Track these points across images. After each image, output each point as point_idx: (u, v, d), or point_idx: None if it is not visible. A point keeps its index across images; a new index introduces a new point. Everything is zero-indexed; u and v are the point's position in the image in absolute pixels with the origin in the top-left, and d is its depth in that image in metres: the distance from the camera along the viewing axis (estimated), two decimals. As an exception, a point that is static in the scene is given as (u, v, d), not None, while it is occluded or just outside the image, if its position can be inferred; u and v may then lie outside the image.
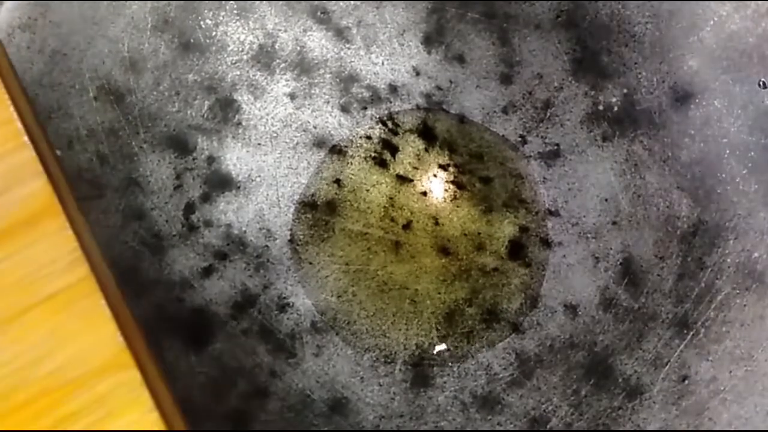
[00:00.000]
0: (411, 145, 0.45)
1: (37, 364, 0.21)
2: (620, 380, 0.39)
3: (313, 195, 0.44)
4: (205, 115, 0.43)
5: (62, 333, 0.22)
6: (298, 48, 0.44)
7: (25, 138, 0.24)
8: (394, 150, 0.45)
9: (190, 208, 0.42)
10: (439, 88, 0.45)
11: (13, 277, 0.22)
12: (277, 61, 0.44)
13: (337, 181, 0.45)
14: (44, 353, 0.21)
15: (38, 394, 0.21)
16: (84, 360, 0.21)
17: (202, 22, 0.42)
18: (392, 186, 0.45)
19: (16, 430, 0.21)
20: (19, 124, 0.24)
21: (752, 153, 0.39)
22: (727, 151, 0.40)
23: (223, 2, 0.43)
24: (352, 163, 0.45)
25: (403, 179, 0.45)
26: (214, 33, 0.43)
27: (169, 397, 0.24)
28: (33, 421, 0.21)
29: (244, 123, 0.44)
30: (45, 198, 0.23)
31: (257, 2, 0.43)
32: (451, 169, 0.45)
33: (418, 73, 0.45)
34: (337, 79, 0.45)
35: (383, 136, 0.45)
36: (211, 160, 0.43)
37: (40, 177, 0.23)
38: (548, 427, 0.40)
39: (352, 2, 0.44)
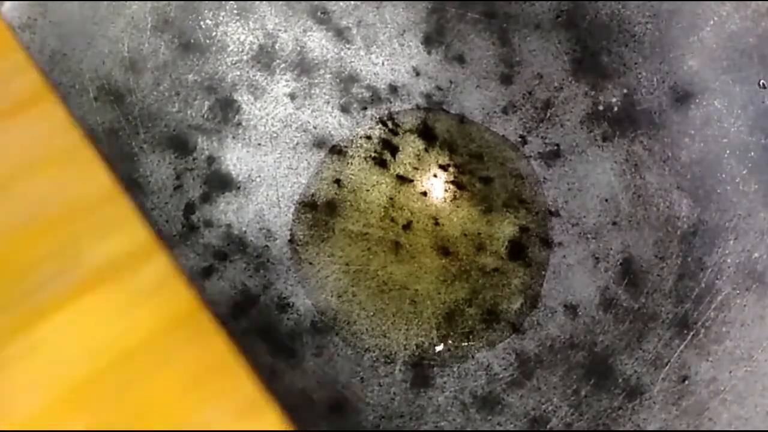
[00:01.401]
0: (411, 146, 0.45)
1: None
2: (620, 380, 0.39)
3: (313, 195, 0.44)
4: (205, 116, 0.43)
5: (60, 184, 0.27)
6: (298, 48, 0.44)
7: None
8: (394, 150, 0.45)
9: (190, 209, 0.42)
10: (439, 88, 0.45)
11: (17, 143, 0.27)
12: (277, 61, 0.44)
13: (337, 182, 0.45)
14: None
15: (47, 227, 0.26)
16: (79, 200, 0.27)
17: (202, 23, 0.42)
18: (392, 186, 0.45)
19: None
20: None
21: (752, 153, 0.39)
22: (727, 151, 0.40)
23: (223, 2, 0.42)
24: (352, 164, 0.45)
25: (403, 179, 0.45)
26: (214, 33, 0.43)
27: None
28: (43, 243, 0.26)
29: (244, 123, 0.44)
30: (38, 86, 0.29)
31: (257, 2, 0.43)
32: (451, 169, 0.45)
33: (418, 74, 0.45)
34: (337, 80, 0.45)
35: (383, 136, 0.45)
36: (211, 160, 0.43)
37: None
38: (548, 427, 0.40)
39: (352, 2, 0.44)
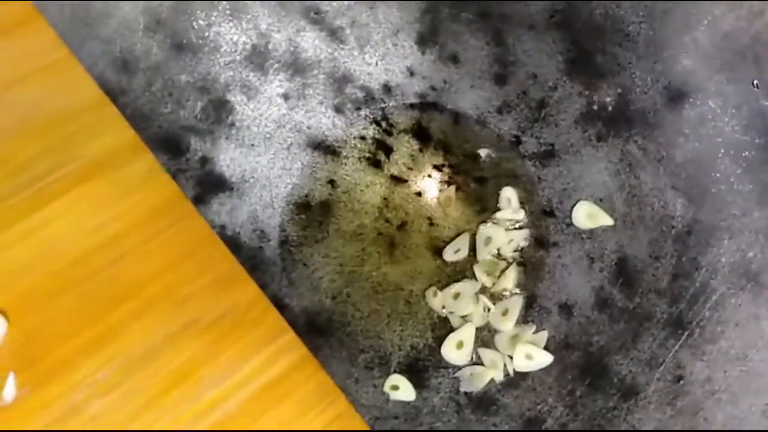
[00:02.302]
0: (405, 146, 0.45)
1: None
2: (615, 380, 0.39)
3: (306, 196, 0.44)
4: (198, 116, 0.43)
5: (51, 92, 0.30)
6: (292, 48, 0.44)
7: None
8: (388, 150, 0.45)
9: (183, 210, 0.42)
10: (433, 88, 0.45)
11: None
12: (271, 61, 0.44)
13: (331, 182, 0.44)
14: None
15: (40, 129, 0.30)
16: (69, 105, 0.30)
17: (194, 23, 0.42)
18: (386, 186, 0.44)
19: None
20: None
21: (746, 152, 0.39)
22: (722, 151, 0.40)
23: (216, 2, 0.42)
24: (346, 164, 0.45)
25: (398, 180, 0.45)
26: (206, 33, 0.43)
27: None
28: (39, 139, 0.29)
29: (237, 124, 0.43)
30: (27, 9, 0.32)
31: (250, 2, 0.43)
32: (445, 169, 0.45)
33: (412, 73, 0.45)
34: (331, 80, 0.45)
35: (377, 136, 0.45)
36: (204, 161, 0.43)
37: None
38: (543, 427, 0.40)
39: (345, 2, 0.44)
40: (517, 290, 0.43)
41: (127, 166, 0.30)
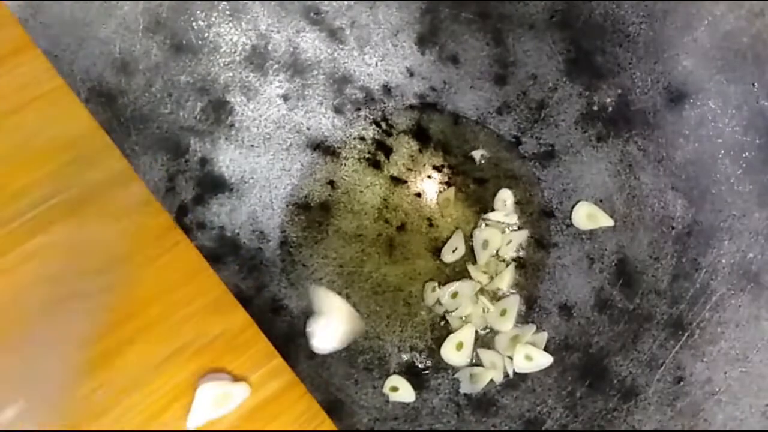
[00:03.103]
0: (405, 146, 0.45)
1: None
2: (615, 381, 0.39)
3: (306, 196, 0.44)
4: (198, 117, 0.43)
5: (45, 122, 0.31)
6: (291, 49, 0.44)
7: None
8: (388, 151, 0.45)
9: (183, 210, 0.42)
10: (433, 88, 0.45)
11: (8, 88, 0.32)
12: (270, 62, 0.44)
13: (331, 183, 0.44)
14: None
15: (36, 158, 0.31)
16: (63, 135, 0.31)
17: (194, 23, 0.42)
18: (386, 187, 0.44)
19: None
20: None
21: (747, 153, 0.39)
22: (722, 152, 0.40)
23: (216, 3, 0.42)
24: (345, 165, 0.45)
25: (397, 180, 0.45)
26: (206, 34, 0.42)
27: None
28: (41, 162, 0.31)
29: (237, 124, 0.43)
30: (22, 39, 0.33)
31: (250, 3, 0.43)
32: (445, 170, 0.45)
33: (411, 74, 0.45)
34: (331, 80, 0.45)
35: (377, 137, 0.45)
36: (203, 161, 0.43)
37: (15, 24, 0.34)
38: (543, 428, 0.40)
39: (345, 3, 0.44)
40: (513, 291, 0.43)
41: (119, 194, 0.31)
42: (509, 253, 0.43)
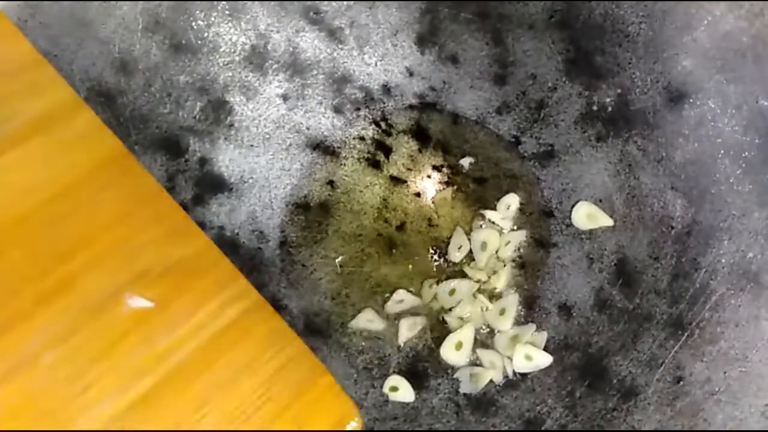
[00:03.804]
0: (404, 146, 0.45)
1: None
2: (615, 381, 0.39)
3: (305, 196, 0.44)
4: (197, 117, 0.43)
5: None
6: (291, 49, 0.44)
7: None
8: (387, 151, 0.45)
9: (182, 210, 0.42)
10: (432, 88, 0.45)
11: None
12: (270, 62, 0.44)
13: (330, 183, 0.44)
14: None
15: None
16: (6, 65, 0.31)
17: (193, 23, 0.42)
18: (386, 187, 0.44)
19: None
20: None
21: (746, 153, 0.39)
22: (722, 151, 0.40)
23: (215, 3, 0.42)
24: (345, 165, 0.45)
25: (397, 180, 0.45)
26: (205, 34, 0.42)
27: None
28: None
29: (236, 124, 0.43)
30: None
31: (249, 3, 0.43)
32: (444, 170, 0.45)
33: (411, 74, 0.45)
34: (330, 80, 0.45)
35: (376, 137, 0.45)
36: (203, 161, 0.43)
37: None
38: (543, 428, 0.40)
39: (344, 2, 0.44)
40: (512, 290, 0.43)
41: (68, 123, 0.30)
42: (508, 253, 0.43)
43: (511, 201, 0.44)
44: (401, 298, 0.42)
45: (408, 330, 0.42)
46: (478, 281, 0.42)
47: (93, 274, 0.28)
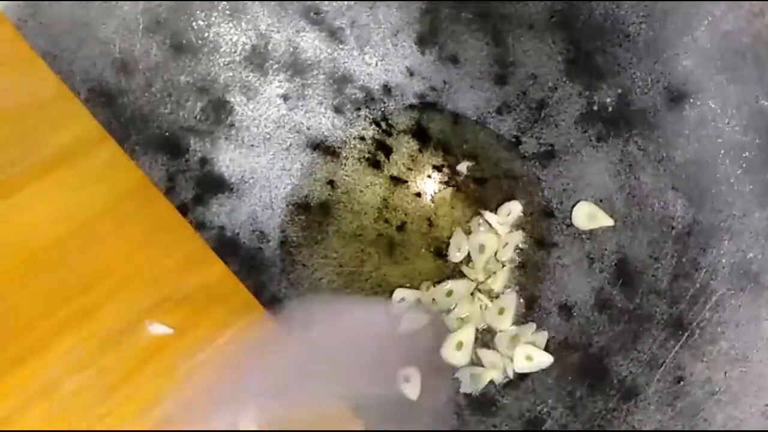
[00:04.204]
0: (405, 146, 0.45)
1: None
2: (615, 381, 0.39)
3: (306, 196, 0.44)
4: (198, 117, 0.43)
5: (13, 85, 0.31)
6: (291, 49, 0.44)
7: None
8: (388, 151, 0.45)
9: (183, 210, 0.42)
10: (433, 88, 0.45)
11: None
12: (270, 62, 0.44)
13: (331, 183, 0.44)
14: None
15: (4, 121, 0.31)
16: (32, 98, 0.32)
17: (194, 23, 0.42)
18: (386, 187, 0.44)
19: None
20: None
21: (747, 153, 0.39)
22: (722, 151, 0.40)
23: (216, 3, 0.42)
24: (345, 165, 0.45)
25: (397, 180, 0.45)
26: (206, 34, 0.42)
27: None
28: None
29: (237, 124, 0.43)
30: None
31: (250, 3, 0.43)
32: (445, 170, 0.45)
33: (411, 74, 0.45)
34: (331, 80, 0.45)
35: (377, 137, 0.45)
36: (203, 161, 0.43)
37: None
38: (543, 428, 0.40)
39: (345, 2, 0.44)
40: (510, 290, 0.43)
41: (92, 154, 0.31)
42: (506, 255, 0.43)
43: (513, 208, 0.43)
44: (401, 297, 0.42)
45: (410, 324, 0.42)
46: (475, 280, 0.42)
47: (114, 302, 0.29)
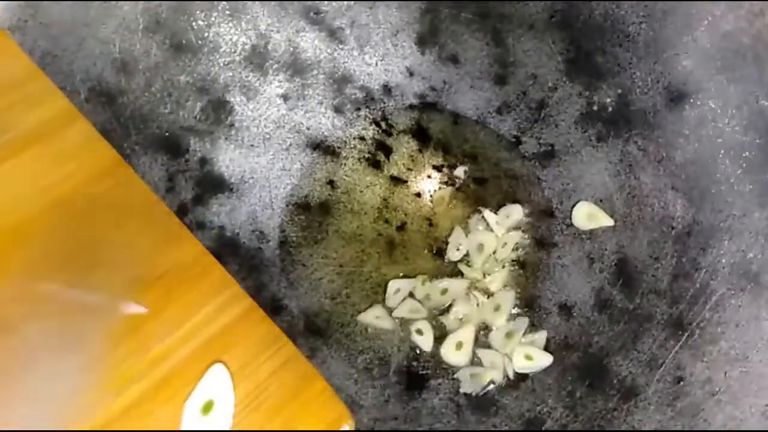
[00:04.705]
0: (405, 146, 0.45)
1: None
2: (615, 381, 0.39)
3: (306, 196, 0.44)
4: (198, 117, 0.43)
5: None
6: (291, 49, 0.44)
7: None
8: (387, 151, 0.45)
9: (182, 210, 0.42)
10: (433, 88, 0.45)
11: None
12: (270, 62, 0.44)
13: (331, 183, 0.44)
14: None
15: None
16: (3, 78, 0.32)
17: (194, 23, 0.42)
18: (386, 187, 0.44)
19: None
20: None
21: (747, 153, 0.39)
22: (722, 151, 0.40)
23: (216, 3, 0.42)
24: (345, 164, 0.45)
25: (397, 180, 0.45)
26: (206, 34, 0.42)
27: None
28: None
29: (236, 124, 0.43)
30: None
31: (249, 3, 0.43)
32: (445, 170, 0.45)
33: (411, 74, 0.45)
34: (331, 80, 0.45)
35: (377, 137, 0.45)
36: (203, 161, 0.43)
37: None
38: (543, 428, 0.39)
39: (345, 3, 0.44)
40: (508, 288, 0.43)
41: (64, 134, 0.31)
42: (505, 254, 0.43)
43: (514, 211, 0.43)
44: (396, 288, 0.42)
45: (407, 312, 0.42)
46: (472, 279, 0.42)
47: (87, 282, 0.29)
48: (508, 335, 0.41)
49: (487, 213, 0.43)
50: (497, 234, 0.43)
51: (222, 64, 0.43)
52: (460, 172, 0.44)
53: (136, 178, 0.31)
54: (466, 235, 0.43)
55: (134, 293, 0.29)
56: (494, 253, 0.43)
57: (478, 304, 0.42)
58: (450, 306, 0.42)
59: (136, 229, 0.30)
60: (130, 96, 0.41)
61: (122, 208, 0.30)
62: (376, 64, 0.45)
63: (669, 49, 0.40)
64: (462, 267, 0.43)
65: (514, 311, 0.42)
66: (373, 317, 0.42)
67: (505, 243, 0.43)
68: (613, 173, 0.42)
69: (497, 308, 0.42)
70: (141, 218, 0.30)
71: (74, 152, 0.31)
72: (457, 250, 0.43)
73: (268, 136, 0.44)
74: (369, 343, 0.42)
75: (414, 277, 0.43)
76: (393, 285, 0.42)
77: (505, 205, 0.44)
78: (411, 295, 0.42)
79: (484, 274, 0.43)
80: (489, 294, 0.42)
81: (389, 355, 0.42)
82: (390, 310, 0.42)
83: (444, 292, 0.42)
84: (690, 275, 0.40)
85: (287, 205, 0.44)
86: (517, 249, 0.43)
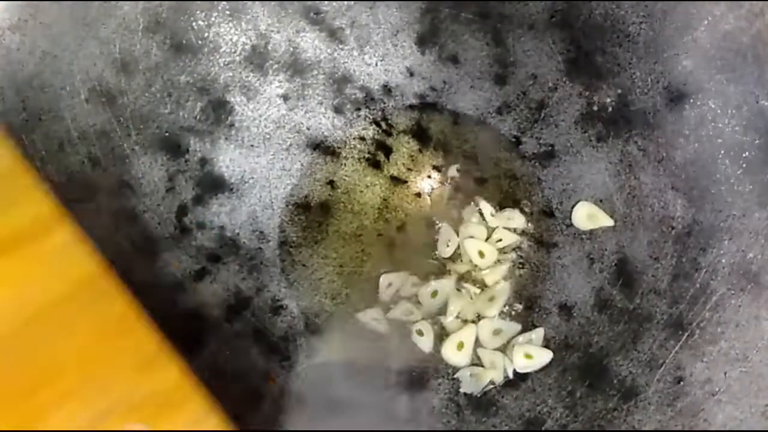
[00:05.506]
0: (405, 146, 0.45)
1: None
2: (615, 381, 0.39)
3: (306, 197, 0.44)
4: (198, 117, 0.43)
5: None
6: (291, 49, 0.44)
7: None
8: (387, 151, 0.45)
9: (182, 211, 0.42)
10: (433, 88, 0.45)
11: None
12: (270, 62, 0.44)
13: (331, 183, 0.44)
14: None
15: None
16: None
17: (194, 23, 0.42)
18: (386, 187, 0.44)
19: None
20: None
21: (747, 153, 0.39)
22: (722, 152, 0.40)
23: (216, 3, 0.42)
24: (345, 165, 0.45)
25: (397, 180, 0.45)
26: (206, 34, 0.42)
27: None
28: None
29: (236, 124, 0.43)
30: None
31: (250, 3, 0.43)
32: (445, 170, 0.45)
33: (411, 74, 0.45)
34: (331, 80, 0.45)
35: (377, 137, 0.45)
36: (203, 161, 0.43)
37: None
38: (543, 428, 0.40)
39: (345, 2, 0.44)
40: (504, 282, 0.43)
41: (44, 239, 0.28)
42: (499, 248, 0.43)
43: (514, 216, 0.43)
44: (388, 282, 0.42)
45: (402, 314, 0.42)
46: (459, 273, 0.42)
47: (62, 408, 0.26)
48: (496, 333, 0.41)
49: (483, 203, 0.43)
50: (491, 225, 0.43)
51: (222, 64, 0.43)
52: (460, 172, 0.44)
53: (118, 290, 0.28)
54: (456, 229, 0.43)
55: (110, 422, 0.26)
56: (486, 240, 0.43)
57: (471, 297, 0.42)
58: (446, 305, 0.42)
59: (114, 351, 0.27)
60: (130, 96, 0.41)
61: (103, 326, 0.28)
62: (376, 64, 0.45)
63: (669, 49, 0.40)
64: (448, 264, 0.43)
65: (513, 312, 0.42)
66: (371, 318, 0.42)
67: (500, 239, 0.43)
68: (613, 173, 0.42)
69: (491, 299, 0.42)
70: (120, 339, 0.27)
71: (54, 261, 0.28)
72: (447, 246, 0.43)
73: (268, 136, 0.44)
74: (369, 343, 0.42)
75: (406, 271, 0.43)
76: (385, 279, 0.42)
77: (505, 208, 0.44)
78: (405, 297, 0.42)
79: (476, 266, 0.42)
80: (483, 286, 0.42)
81: (389, 355, 0.42)
82: (386, 310, 0.42)
83: (434, 294, 0.42)
84: (690, 275, 0.40)
85: (287, 205, 0.44)
86: (516, 249, 0.43)
